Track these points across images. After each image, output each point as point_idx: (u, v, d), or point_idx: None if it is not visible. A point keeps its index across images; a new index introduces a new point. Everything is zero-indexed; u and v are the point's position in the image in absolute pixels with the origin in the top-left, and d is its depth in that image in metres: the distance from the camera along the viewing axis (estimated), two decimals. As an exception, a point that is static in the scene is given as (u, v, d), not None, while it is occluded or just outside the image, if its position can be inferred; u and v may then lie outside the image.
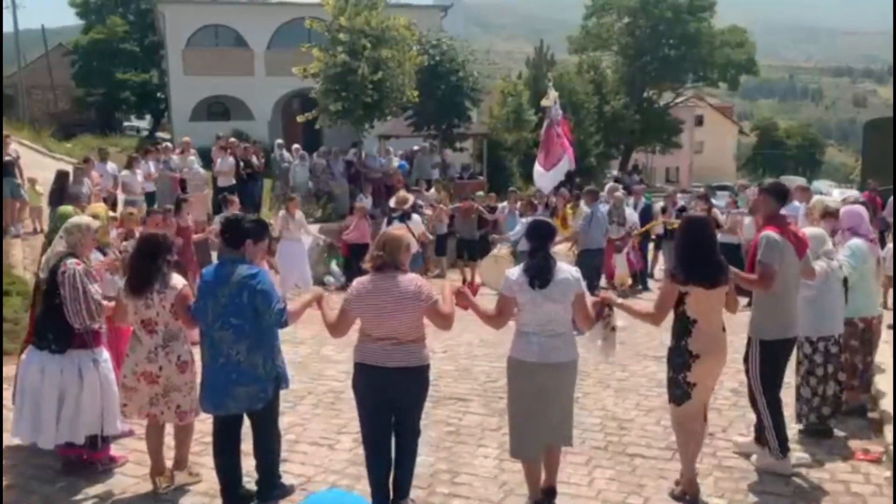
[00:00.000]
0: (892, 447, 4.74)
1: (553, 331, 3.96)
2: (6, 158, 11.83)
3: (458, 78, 20.17)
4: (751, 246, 4.70)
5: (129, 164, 13.15)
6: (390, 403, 3.98)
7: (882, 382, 5.66)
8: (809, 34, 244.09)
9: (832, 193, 25.30)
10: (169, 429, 4.53)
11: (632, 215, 11.85)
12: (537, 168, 13.25)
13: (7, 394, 6.44)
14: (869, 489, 4.38)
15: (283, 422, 5.64)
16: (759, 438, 4.73)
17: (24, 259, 10.54)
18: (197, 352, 4.39)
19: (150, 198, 13.14)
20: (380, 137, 21.08)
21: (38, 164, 15.17)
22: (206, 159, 15.41)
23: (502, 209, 13.36)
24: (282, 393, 6.31)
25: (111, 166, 13.43)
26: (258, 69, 27.41)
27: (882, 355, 5.93)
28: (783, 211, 4.86)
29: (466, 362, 7.33)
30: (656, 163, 49.30)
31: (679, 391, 4.18)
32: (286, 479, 4.48)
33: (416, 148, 19.54)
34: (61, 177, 11.40)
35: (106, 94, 31.95)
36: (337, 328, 4.09)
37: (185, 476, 4.54)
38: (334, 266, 13.09)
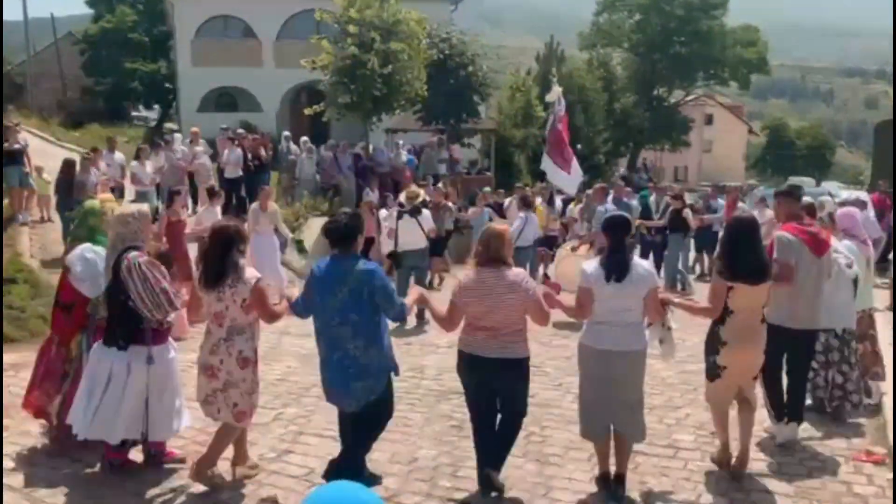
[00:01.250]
0: (892, 449, 4.73)
1: (624, 320, 4.13)
2: (15, 146, 11.88)
3: (467, 73, 20.13)
4: (768, 245, 4.88)
5: (138, 156, 13.18)
6: (490, 388, 4.18)
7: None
8: (822, 34, 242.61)
9: (841, 195, 25.14)
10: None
11: (601, 214, 11.77)
12: (558, 171, 13.00)
13: (7, 381, 6.48)
14: (871, 490, 4.38)
15: (288, 413, 5.68)
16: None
17: (32, 247, 10.60)
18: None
19: (158, 189, 13.17)
20: (387, 131, 21.08)
21: (46, 153, 15.21)
22: (213, 150, 15.43)
23: (509, 202, 13.28)
24: (285, 386, 6.37)
25: (119, 156, 13.47)
26: (267, 60, 27.43)
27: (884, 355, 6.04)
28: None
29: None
30: (665, 161, 49.12)
31: (711, 371, 4.52)
32: (292, 471, 4.49)
33: (399, 142, 19.36)
34: (68, 166, 11.43)
35: (114, 84, 31.99)
36: (449, 322, 4.26)
37: (246, 469, 4.45)
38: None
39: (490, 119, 23.63)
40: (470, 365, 4.18)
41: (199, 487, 4.34)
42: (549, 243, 12.32)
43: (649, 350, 4.38)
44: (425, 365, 6.97)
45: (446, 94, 19.63)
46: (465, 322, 4.23)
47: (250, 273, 4.27)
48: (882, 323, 6.44)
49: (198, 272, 4.31)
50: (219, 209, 10.21)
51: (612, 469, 4.31)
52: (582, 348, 4.29)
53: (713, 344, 4.47)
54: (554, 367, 6.87)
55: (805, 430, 5.25)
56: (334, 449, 5.01)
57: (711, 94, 53.63)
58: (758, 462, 4.77)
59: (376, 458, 4.80)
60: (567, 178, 12.78)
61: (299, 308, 4.28)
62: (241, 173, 14.21)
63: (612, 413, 4.22)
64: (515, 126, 24.16)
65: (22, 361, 6.89)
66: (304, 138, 16.89)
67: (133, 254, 4.24)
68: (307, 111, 17.73)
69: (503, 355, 4.09)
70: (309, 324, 4.31)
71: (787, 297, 4.79)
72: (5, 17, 16.26)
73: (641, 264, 4.25)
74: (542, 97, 21.57)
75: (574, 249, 9.76)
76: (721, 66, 41.45)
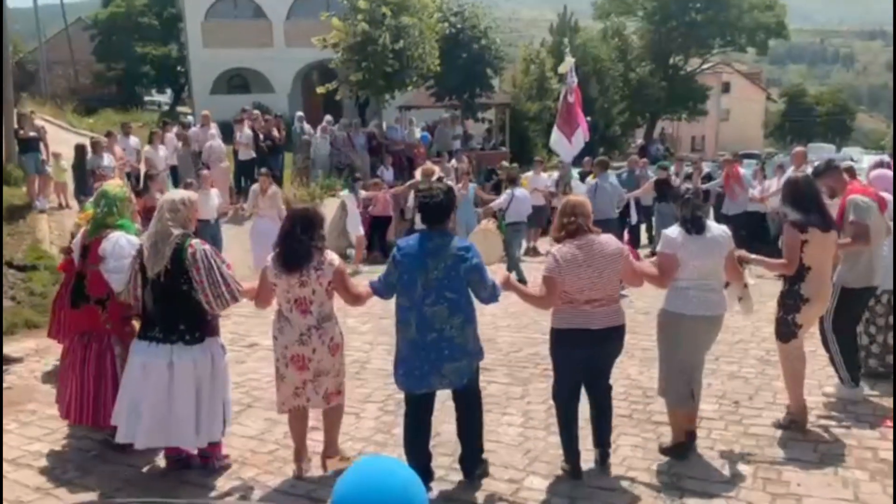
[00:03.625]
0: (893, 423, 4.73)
1: (708, 285, 4.25)
2: (31, 134, 11.92)
3: (480, 46, 19.92)
4: (839, 209, 5.12)
5: (151, 140, 13.22)
6: (591, 362, 4.14)
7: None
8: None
9: (862, 161, 24.75)
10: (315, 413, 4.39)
11: (578, 186, 11.71)
12: (562, 139, 12.84)
13: (32, 365, 6.52)
14: (898, 457, 4.31)
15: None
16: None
17: (51, 234, 10.65)
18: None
19: (173, 172, 13.20)
20: (401, 108, 20.96)
21: (61, 140, 15.24)
22: (228, 133, 15.41)
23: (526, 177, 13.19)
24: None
25: (134, 141, 13.53)
26: (277, 40, 27.29)
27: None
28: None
29: (491, 332, 7.29)
30: (682, 131, 48.45)
31: (787, 330, 4.68)
32: (314, 447, 4.50)
33: (412, 119, 19.21)
34: (80, 150, 11.50)
35: (126, 69, 32.03)
36: (549, 298, 4.10)
37: (337, 462, 4.29)
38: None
39: (504, 93, 23.40)
40: (577, 340, 4.05)
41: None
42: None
43: (734, 304, 4.53)
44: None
45: (459, 68, 19.45)
46: (561, 297, 4.10)
47: (333, 256, 4.14)
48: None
49: (273, 256, 4.11)
50: (214, 192, 10.01)
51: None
52: (666, 315, 4.33)
53: (794, 303, 4.62)
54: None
55: (830, 398, 5.21)
56: (357, 426, 5.06)
57: (728, 61, 52.62)
58: (782, 429, 4.73)
59: (398, 433, 4.81)
60: (567, 146, 12.57)
61: (381, 288, 4.12)
62: (253, 154, 14.16)
63: (695, 379, 4.35)
64: (530, 99, 23.93)
65: (44, 346, 6.98)
66: (328, 117, 16.77)
67: (196, 241, 4.03)
68: (319, 90, 17.65)
69: (612, 323, 4.06)
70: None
71: (859, 256, 5.04)
72: (15, 4, 16.25)
73: (717, 226, 4.40)
74: (556, 69, 21.34)
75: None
76: (738, 32, 40.53)
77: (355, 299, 4.24)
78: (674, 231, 4.31)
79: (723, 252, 4.29)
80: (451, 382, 4.01)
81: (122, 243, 4.33)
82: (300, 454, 4.33)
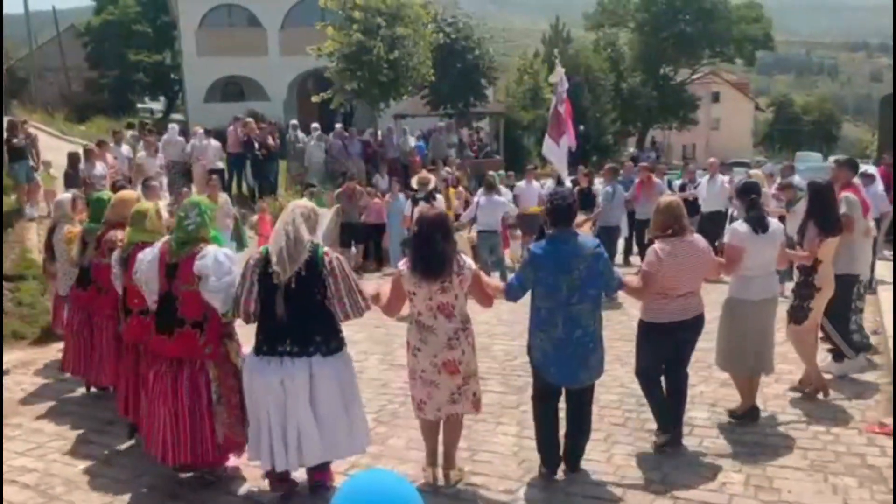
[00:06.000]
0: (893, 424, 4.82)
1: (768, 270, 4.95)
2: (17, 142, 11.84)
3: (474, 56, 20.09)
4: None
5: (147, 147, 13.21)
6: (678, 349, 4.59)
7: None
8: (826, 7, 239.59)
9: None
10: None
11: (506, 193, 11.78)
12: (553, 147, 12.92)
13: (19, 378, 6.46)
14: (885, 462, 4.38)
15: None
16: (834, 358, 6.02)
17: (40, 243, 10.47)
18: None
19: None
20: (395, 117, 21.05)
21: (52, 148, 15.16)
22: (221, 140, 15.38)
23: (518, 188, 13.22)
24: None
25: (125, 149, 13.50)
26: (272, 49, 27.32)
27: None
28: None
29: (486, 341, 7.31)
30: (673, 140, 48.92)
31: (801, 314, 5.45)
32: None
33: (406, 128, 19.22)
34: (73, 159, 11.47)
35: (119, 76, 31.99)
36: (647, 291, 4.49)
37: (457, 473, 4.28)
38: (352, 249, 13.04)
39: (498, 102, 23.55)
40: (667, 331, 4.49)
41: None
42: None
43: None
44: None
45: (454, 77, 19.60)
46: (657, 293, 4.50)
47: (468, 259, 4.15)
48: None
49: (409, 264, 4.05)
50: (163, 206, 9.77)
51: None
52: (733, 302, 4.97)
53: (808, 290, 5.41)
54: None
55: (819, 405, 5.31)
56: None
57: (717, 71, 53.18)
58: (773, 437, 4.82)
59: (393, 443, 4.84)
60: (557, 151, 12.64)
61: (516, 291, 4.23)
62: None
63: (752, 354, 4.90)
64: (524, 108, 24.10)
65: (31, 359, 6.90)
66: (315, 125, 16.82)
67: (327, 248, 3.93)
68: (314, 99, 17.71)
69: (696, 312, 4.55)
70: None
71: (845, 248, 5.69)
72: (5, 10, 16.18)
73: (775, 221, 5.05)
74: (549, 79, 21.49)
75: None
76: (726, 43, 41.08)
77: (490, 300, 4.31)
78: (743, 227, 4.88)
79: (777, 242, 4.96)
80: (596, 374, 4.26)
81: (222, 259, 3.98)
82: (435, 457, 4.29)
